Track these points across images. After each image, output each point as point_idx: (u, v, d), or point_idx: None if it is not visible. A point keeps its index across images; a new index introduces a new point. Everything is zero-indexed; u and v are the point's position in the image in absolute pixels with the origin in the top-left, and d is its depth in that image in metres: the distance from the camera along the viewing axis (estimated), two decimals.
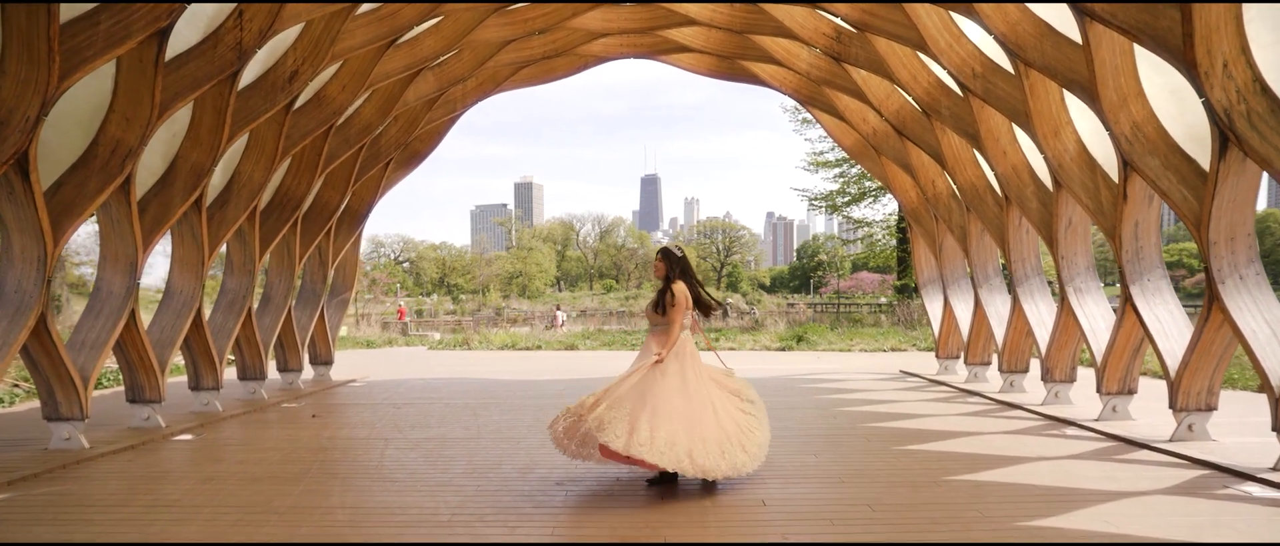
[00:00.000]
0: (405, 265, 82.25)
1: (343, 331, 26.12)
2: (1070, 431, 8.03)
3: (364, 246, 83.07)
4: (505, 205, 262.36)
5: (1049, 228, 9.12)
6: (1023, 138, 9.39)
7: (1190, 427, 7.19)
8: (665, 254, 5.96)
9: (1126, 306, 7.86)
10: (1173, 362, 7.30)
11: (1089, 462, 6.55)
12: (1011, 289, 10.49)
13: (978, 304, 11.64)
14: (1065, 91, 8.16)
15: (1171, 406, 7.27)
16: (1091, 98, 7.11)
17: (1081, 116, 8.20)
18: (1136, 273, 7.74)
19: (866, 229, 35.21)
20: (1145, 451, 6.94)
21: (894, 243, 33.74)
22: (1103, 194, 8.03)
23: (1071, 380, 9.62)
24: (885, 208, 34.23)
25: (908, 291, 31.73)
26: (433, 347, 22.22)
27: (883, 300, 46.89)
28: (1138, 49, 6.81)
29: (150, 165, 8.23)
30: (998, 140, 9.50)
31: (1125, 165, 7.26)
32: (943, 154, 10.73)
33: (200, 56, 7.58)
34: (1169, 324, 7.55)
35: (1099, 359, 8.49)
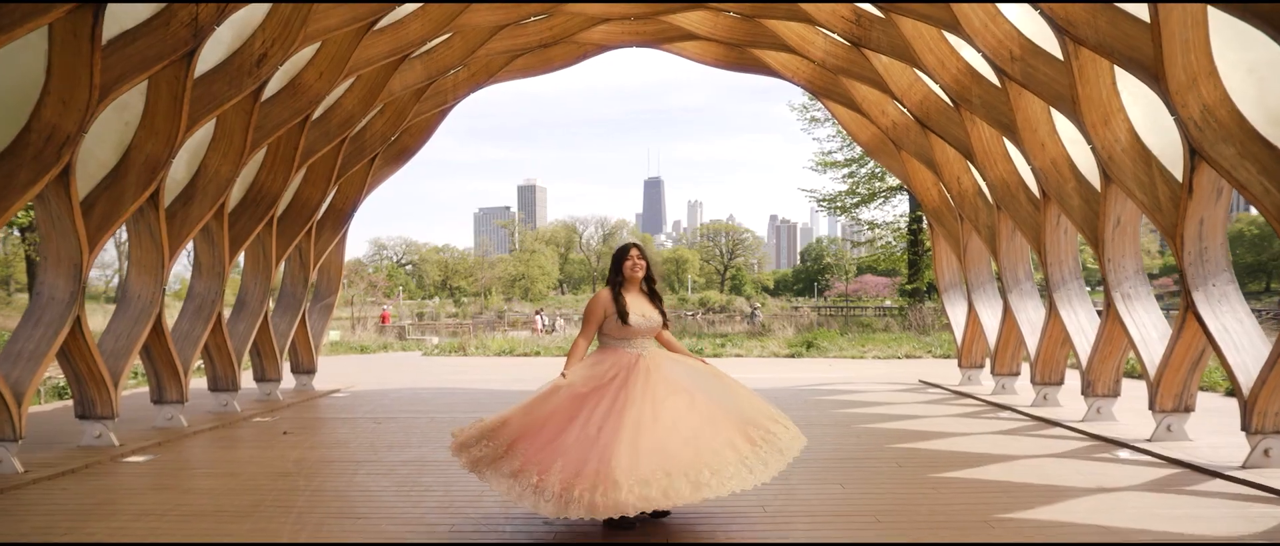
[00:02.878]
0: (408, 267, 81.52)
1: (336, 336, 25.31)
2: (1123, 454, 7.18)
3: (366, 248, 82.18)
4: (508, 208, 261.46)
5: (1093, 227, 8.27)
6: (1063, 128, 8.54)
7: (1266, 453, 6.34)
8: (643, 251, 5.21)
9: (1187, 314, 7.00)
10: (1245, 379, 6.44)
11: (1158, 495, 5.70)
12: (1047, 294, 9.64)
13: (1007, 310, 10.78)
14: (1117, 75, 7.32)
15: (1244, 429, 6.42)
16: (1155, 78, 6.26)
17: (1133, 103, 7.36)
18: (1200, 277, 6.88)
19: (876, 230, 34.28)
20: (1218, 481, 6.09)
21: (904, 245, 32.84)
22: (1160, 189, 7.18)
23: (1115, 394, 8.77)
24: (895, 209, 33.34)
25: (918, 295, 30.83)
26: (427, 353, 21.41)
27: (888, 303, 45.93)
28: (1212, 19, 5.96)
29: (100, 157, 7.42)
30: (1036, 131, 8.65)
31: (1193, 155, 6.40)
32: (971, 147, 9.88)
33: (150, 33, 6.77)
34: (1239, 335, 6.70)
35: (1152, 373, 7.64)
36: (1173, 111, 6.30)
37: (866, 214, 34.04)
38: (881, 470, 6.57)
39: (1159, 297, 9.89)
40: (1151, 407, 7.64)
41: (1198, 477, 6.22)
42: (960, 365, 12.43)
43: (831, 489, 5.92)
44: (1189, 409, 7.60)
